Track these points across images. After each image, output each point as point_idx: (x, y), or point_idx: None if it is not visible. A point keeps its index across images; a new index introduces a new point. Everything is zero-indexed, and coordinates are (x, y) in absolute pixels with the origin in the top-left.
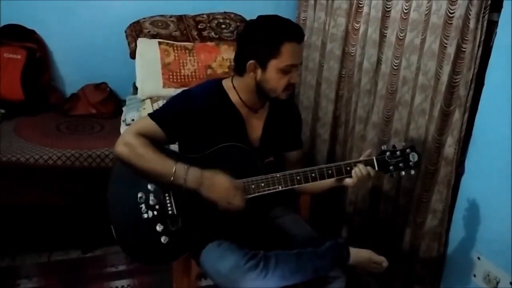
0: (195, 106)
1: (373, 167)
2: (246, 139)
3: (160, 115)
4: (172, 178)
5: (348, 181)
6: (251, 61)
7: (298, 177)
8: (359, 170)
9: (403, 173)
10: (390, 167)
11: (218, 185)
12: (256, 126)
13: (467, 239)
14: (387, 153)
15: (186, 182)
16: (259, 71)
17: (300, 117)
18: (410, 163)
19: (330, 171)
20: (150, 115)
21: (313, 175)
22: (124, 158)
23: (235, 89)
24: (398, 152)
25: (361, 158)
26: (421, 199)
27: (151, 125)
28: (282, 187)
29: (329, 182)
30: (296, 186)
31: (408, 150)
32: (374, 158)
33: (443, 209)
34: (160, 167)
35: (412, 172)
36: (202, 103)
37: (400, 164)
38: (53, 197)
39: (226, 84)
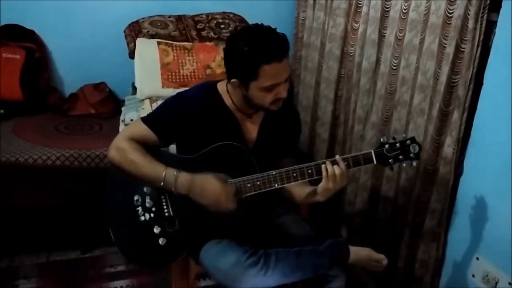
0: (189, 109)
1: (371, 161)
2: (241, 141)
3: (153, 119)
4: (162, 184)
5: (321, 184)
6: (233, 80)
7: (295, 174)
8: (331, 168)
9: (404, 165)
10: (390, 160)
11: (208, 190)
12: (251, 129)
13: (466, 239)
14: (386, 146)
15: (176, 188)
16: (243, 89)
17: (299, 125)
18: (411, 155)
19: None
20: (143, 119)
21: (310, 171)
22: (116, 163)
23: (229, 94)
24: (397, 144)
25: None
26: (420, 199)
27: (144, 130)
28: (278, 185)
29: (306, 190)
30: (292, 183)
31: (408, 142)
32: (373, 151)
33: (442, 209)
34: (150, 172)
35: (414, 163)
36: (196, 106)
37: (400, 157)
38: (51, 197)
39: (221, 87)
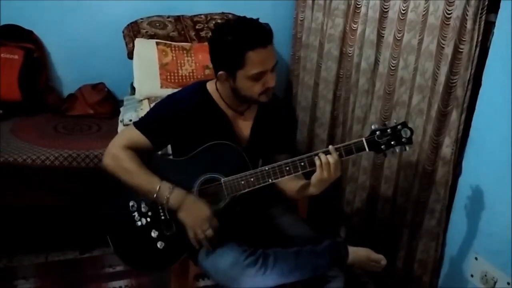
0: (180, 111)
1: (363, 149)
2: (233, 139)
3: (145, 124)
4: (155, 196)
5: (315, 175)
6: (220, 72)
7: (287, 168)
8: (324, 158)
9: (397, 150)
10: (382, 146)
11: (196, 212)
12: (244, 127)
13: (464, 239)
14: (377, 133)
15: (168, 202)
16: (230, 81)
17: (293, 120)
18: (403, 139)
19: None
20: (135, 124)
21: (302, 163)
22: (110, 171)
23: (219, 92)
24: (389, 130)
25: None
26: (419, 199)
27: (137, 135)
28: (272, 180)
29: (299, 184)
30: (286, 177)
31: (399, 127)
32: (364, 139)
33: (441, 209)
34: (144, 184)
35: (407, 148)
36: (186, 107)
37: (392, 142)
38: (50, 198)
39: (211, 86)
